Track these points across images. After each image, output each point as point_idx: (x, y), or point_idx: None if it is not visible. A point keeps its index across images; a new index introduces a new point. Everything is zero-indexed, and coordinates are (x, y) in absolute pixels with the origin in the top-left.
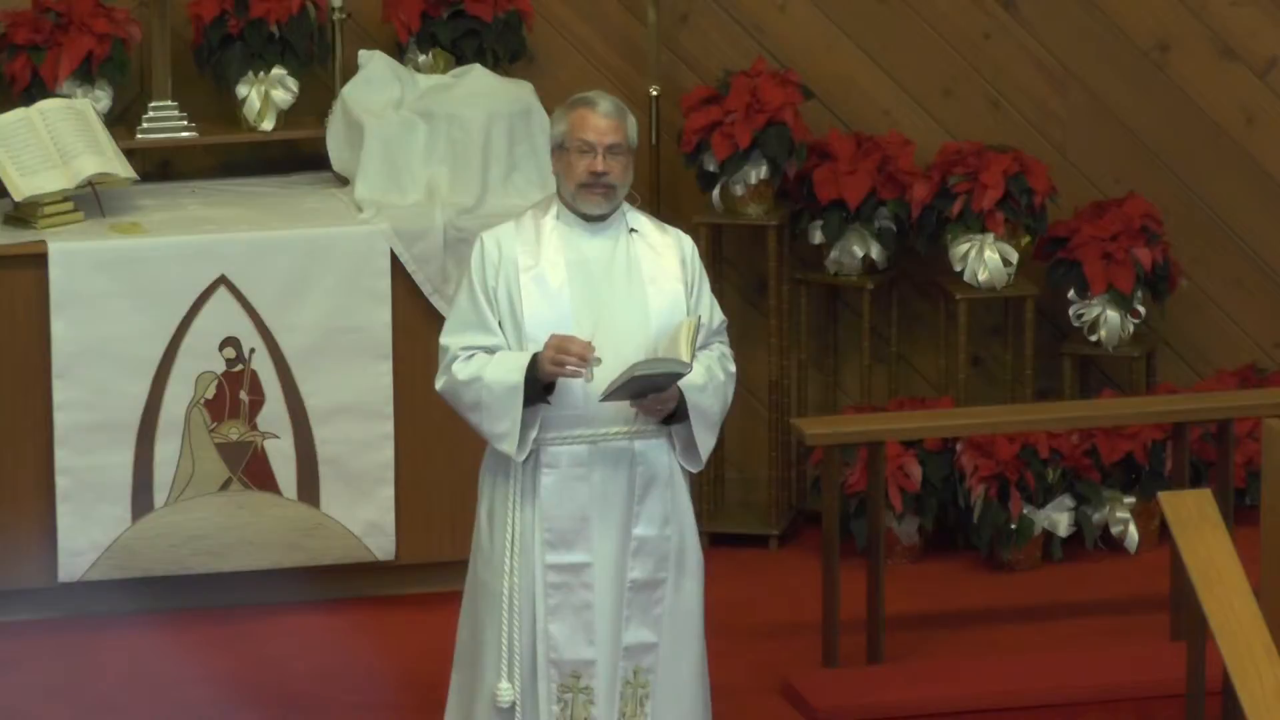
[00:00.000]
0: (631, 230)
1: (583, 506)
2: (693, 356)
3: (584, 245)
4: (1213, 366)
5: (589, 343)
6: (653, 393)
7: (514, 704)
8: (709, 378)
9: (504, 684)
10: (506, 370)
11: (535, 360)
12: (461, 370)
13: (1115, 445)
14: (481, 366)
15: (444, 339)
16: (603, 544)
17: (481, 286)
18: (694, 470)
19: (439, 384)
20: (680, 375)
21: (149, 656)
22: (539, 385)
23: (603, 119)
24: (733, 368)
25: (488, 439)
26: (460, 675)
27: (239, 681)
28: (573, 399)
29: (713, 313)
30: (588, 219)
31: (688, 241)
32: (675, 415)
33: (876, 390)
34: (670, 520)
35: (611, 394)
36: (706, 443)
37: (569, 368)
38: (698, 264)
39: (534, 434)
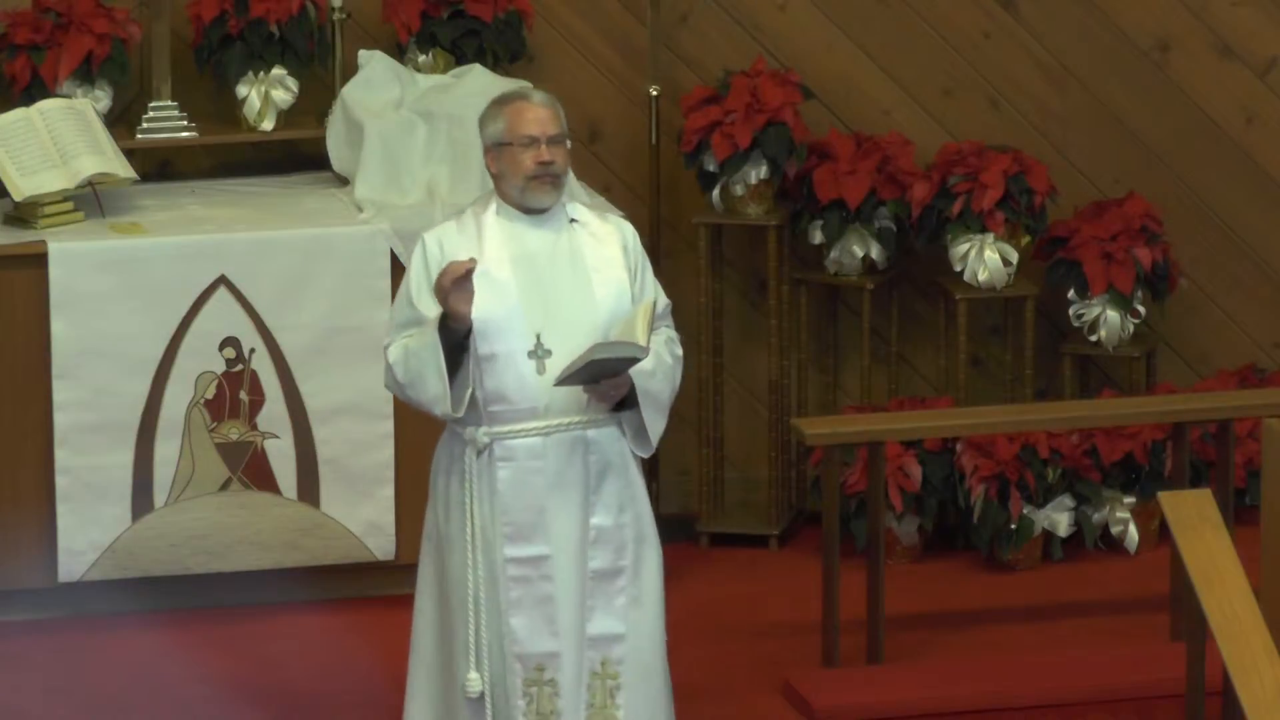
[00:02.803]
0: (572, 221)
1: (539, 498)
2: (649, 340)
3: (527, 238)
4: (1213, 366)
5: (460, 261)
6: (606, 378)
7: (483, 694)
8: (657, 362)
9: (472, 674)
10: (423, 333)
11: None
12: (392, 354)
13: (1115, 445)
14: (405, 343)
15: (385, 339)
16: (561, 535)
17: (423, 284)
18: (644, 455)
19: (385, 381)
20: (637, 359)
21: (149, 656)
22: (458, 336)
23: (541, 109)
24: (680, 351)
25: (431, 410)
26: (422, 674)
27: (239, 681)
28: (526, 391)
29: (657, 297)
30: (529, 212)
31: (629, 228)
32: (625, 402)
33: (876, 390)
34: (626, 508)
35: (567, 379)
36: (657, 427)
37: (447, 279)
38: (639, 250)
39: (468, 392)
